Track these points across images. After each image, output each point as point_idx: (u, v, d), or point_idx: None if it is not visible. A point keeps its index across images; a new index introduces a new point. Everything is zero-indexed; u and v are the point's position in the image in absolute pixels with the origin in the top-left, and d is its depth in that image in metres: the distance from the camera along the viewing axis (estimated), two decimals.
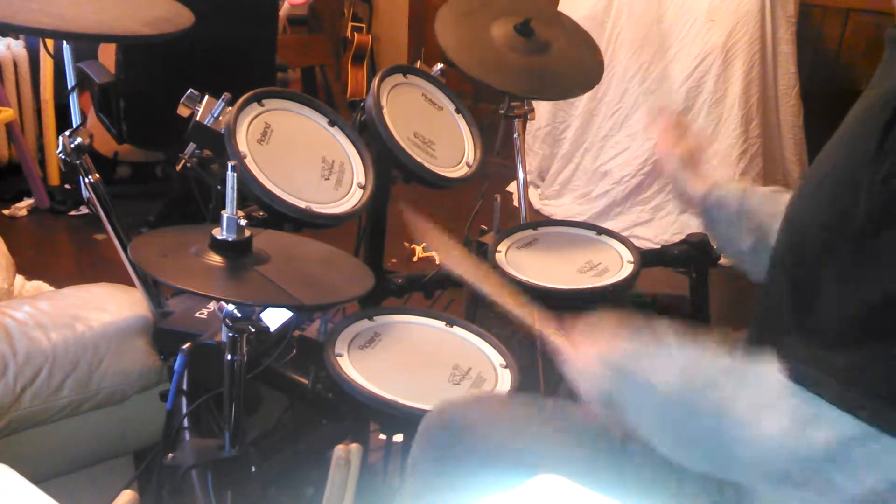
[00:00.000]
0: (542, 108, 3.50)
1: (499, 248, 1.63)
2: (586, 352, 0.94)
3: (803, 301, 0.84)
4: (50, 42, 2.01)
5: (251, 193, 1.23)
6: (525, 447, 1.00)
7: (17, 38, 3.35)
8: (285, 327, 1.40)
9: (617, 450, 0.99)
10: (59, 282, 1.75)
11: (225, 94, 1.29)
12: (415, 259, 3.03)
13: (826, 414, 0.72)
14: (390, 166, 1.50)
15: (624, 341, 0.91)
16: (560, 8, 3.30)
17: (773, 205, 1.15)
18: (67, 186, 3.33)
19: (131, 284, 1.52)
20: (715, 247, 1.30)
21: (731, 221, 1.20)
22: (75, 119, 1.56)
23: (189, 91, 1.30)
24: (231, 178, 1.04)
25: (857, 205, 0.76)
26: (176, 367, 1.26)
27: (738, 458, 0.79)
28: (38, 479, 0.89)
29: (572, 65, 1.81)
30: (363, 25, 4.78)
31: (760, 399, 0.77)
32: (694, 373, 0.84)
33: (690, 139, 1.32)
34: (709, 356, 0.85)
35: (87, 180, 1.46)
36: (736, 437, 0.78)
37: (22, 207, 3.25)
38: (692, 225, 3.21)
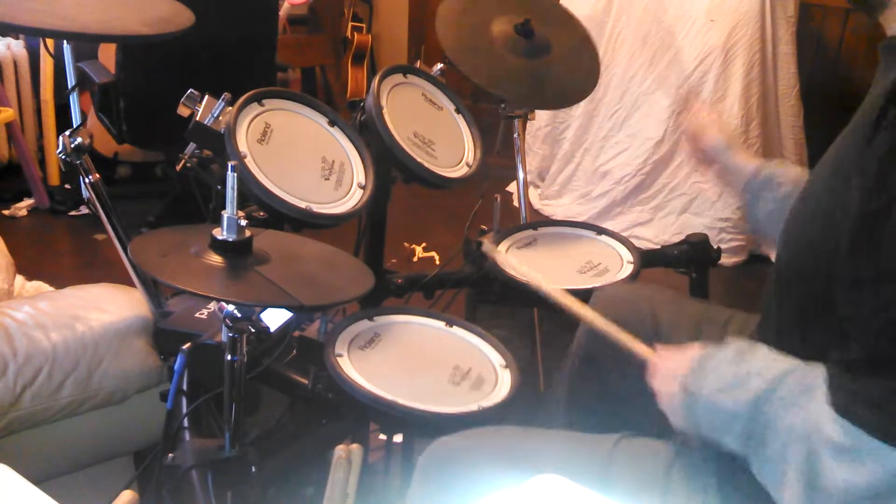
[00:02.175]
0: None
1: (499, 248, 1.63)
2: (669, 375, 0.95)
3: (813, 303, 0.84)
4: (50, 42, 2.01)
5: (251, 193, 1.23)
6: (512, 481, 1.01)
7: (17, 38, 3.35)
8: (285, 327, 1.40)
9: (596, 477, 0.99)
10: (59, 282, 1.75)
11: (225, 94, 1.29)
12: (415, 259, 3.03)
13: (870, 446, 0.72)
14: (390, 166, 1.50)
15: (703, 363, 0.92)
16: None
17: None
18: (67, 186, 3.33)
19: (131, 284, 1.52)
20: (749, 227, 1.29)
21: (781, 201, 1.19)
22: (75, 119, 1.56)
23: (189, 91, 1.30)
24: (231, 178, 1.04)
25: (847, 218, 0.76)
26: (176, 367, 1.26)
27: (792, 479, 0.79)
28: (38, 479, 0.89)
29: (571, 69, 1.81)
30: (363, 25, 4.77)
31: (813, 419, 0.77)
32: (762, 391, 0.84)
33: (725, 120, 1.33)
34: (774, 372, 0.85)
35: (87, 180, 1.46)
36: (792, 454, 0.78)
37: (22, 207, 3.25)
38: (692, 225, 3.21)
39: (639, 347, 1.05)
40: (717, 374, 0.89)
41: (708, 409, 0.88)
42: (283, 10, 4.00)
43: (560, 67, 1.79)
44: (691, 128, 1.35)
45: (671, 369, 0.95)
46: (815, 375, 0.81)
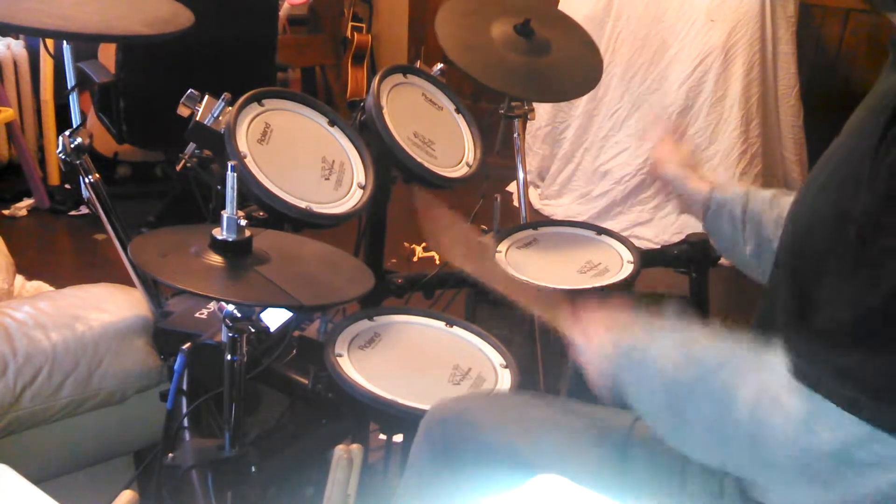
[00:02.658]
0: (542, 108, 3.50)
1: (499, 248, 1.63)
2: (596, 335, 0.95)
3: (806, 299, 0.84)
4: (50, 42, 2.01)
5: (251, 193, 1.23)
6: (525, 446, 1.00)
7: (17, 38, 3.35)
8: (285, 327, 1.40)
9: (619, 449, 0.99)
10: (59, 282, 1.75)
11: (225, 94, 1.29)
12: (415, 259, 3.03)
13: (828, 413, 0.72)
14: (390, 166, 1.50)
15: (633, 325, 0.92)
16: (560, 8, 3.30)
17: (775, 208, 1.16)
18: (67, 186, 3.33)
19: (131, 284, 1.52)
20: (716, 248, 1.32)
21: (734, 224, 1.20)
22: (75, 119, 1.56)
23: (189, 91, 1.30)
24: (231, 178, 1.04)
25: (857, 203, 0.76)
26: (176, 367, 1.26)
27: (737, 448, 0.79)
28: (38, 479, 0.89)
29: (572, 66, 1.81)
30: (363, 25, 4.77)
31: (767, 390, 0.77)
32: (700, 355, 0.84)
33: (687, 144, 1.34)
34: (717, 341, 0.85)
35: (87, 180, 1.46)
36: (737, 425, 0.78)
37: (22, 207, 3.25)
38: (692, 225, 3.19)
39: (563, 320, 1.03)
40: (653, 331, 0.89)
41: (636, 363, 0.88)
42: (283, 10, 4.00)
43: (561, 64, 1.79)
44: (652, 159, 1.36)
45: (601, 331, 0.94)
46: (766, 348, 0.80)
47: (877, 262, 0.72)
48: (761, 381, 0.78)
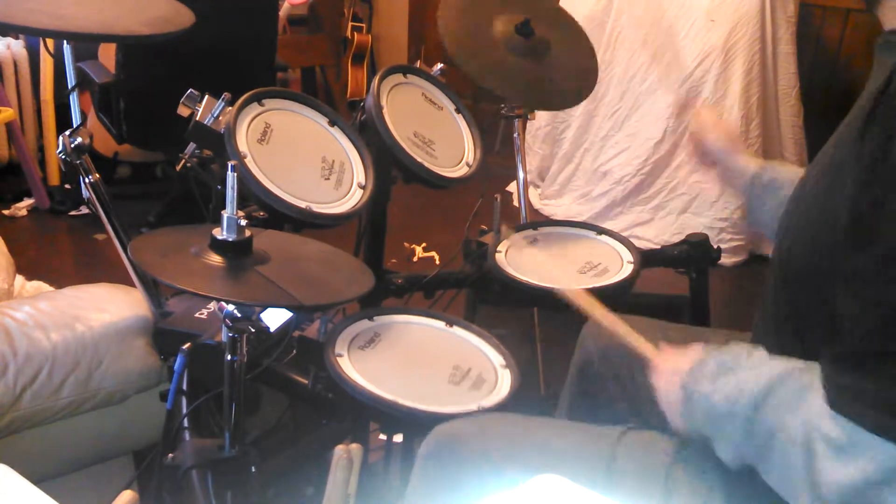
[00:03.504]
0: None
1: (499, 248, 1.63)
2: (670, 374, 0.96)
3: (805, 312, 0.85)
4: (50, 42, 2.01)
5: (251, 193, 1.23)
6: (514, 470, 1.01)
7: (17, 38, 3.35)
8: (285, 327, 1.40)
9: (605, 461, 0.99)
10: (59, 282, 1.75)
11: (225, 94, 1.29)
12: (415, 259, 3.03)
13: (867, 438, 0.72)
14: (390, 166, 1.50)
15: (702, 363, 0.92)
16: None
17: None
18: (67, 186, 3.33)
19: (131, 284, 1.52)
20: (752, 225, 1.30)
21: (783, 203, 1.20)
22: (75, 119, 1.56)
23: (189, 91, 1.30)
24: (231, 178, 1.04)
25: (842, 214, 0.76)
26: (176, 367, 1.26)
27: (793, 475, 0.80)
28: (38, 479, 0.89)
29: (568, 73, 1.81)
30: (363, 25, 4.78)
31: (810, 417, 0.78)
32: (756, 391, 0.85)
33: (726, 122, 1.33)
34: (769, 372, 0.86)
35: (87, 180, 1.46)
36: (791, 453, 0.79)
37: (22, 207, 3.25)
38: (692, 225, 3.21)
39: (643, 346, 1.06)
40: (716, 375, 0.89)
41: (705, 409, 0.89)
42: (283, 10, 4.00)
43: (559, 70, 1.78)
44: (693, 128, 1.35)
45: (672, 368, 0.96)
46: (812, 376, 0.81)
47: (871, 279, 0.73)
48: (807, 409, 0.79)
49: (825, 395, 0.77)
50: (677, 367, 0.95)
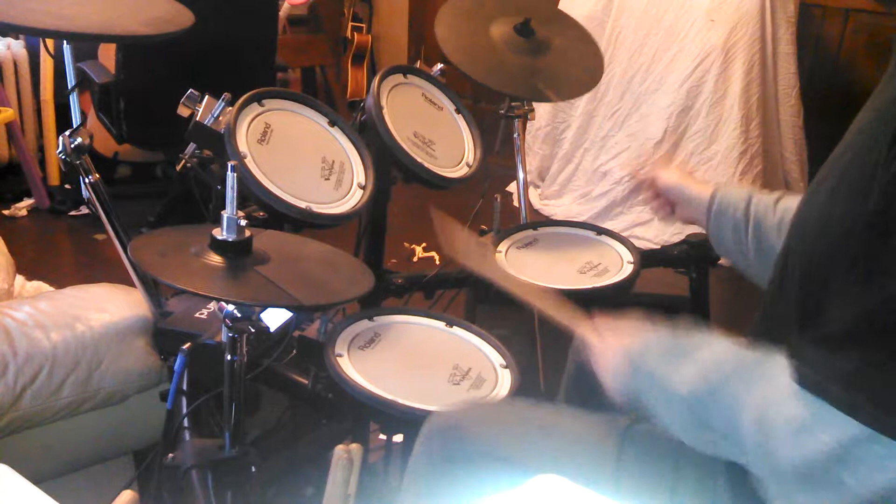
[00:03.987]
0: (542, 108, 3.50)
1: (499, 248, 1.63)
2: (612, 346, 0.96)
3: (811, 303, 0.84)
4: (50, 42, 2.01)
5: (251, 193, 1.23)
6: (521, 455, 1.00)
7: (17, 38, 3.35)
8: (285, 327, 1.40)
9: (613, 453, 0.99)
10: (59, 282, 1.75)
11: (225, 94, 1.29)
12: (415, 259, 3.03)
13: (829, 416, 0.72)
14: (390, 166, 1.50)
15: (647, 337, 0.93)
16: (560, 8, 3.30)
17: (778, 213, 1.16)
18: (67, 186, 3.33)
19: (131, 284, 1.52)
20: (717, 252, 1.32)
21: (737, 227, 1.20)
22: (75, 119, 1.56)
23: (189, 91, 1.30)
24: (231, 178, 1.04)
25: (868, 206, 0.76)
26: (176, 367, 1.26)
27: (752, 457, 0.80)
28: (38, 479, 0.89)
29: (572, 66, 1.81)
30: (363, 25, 4.78)
31: (770, 397, 0.77)
32: (712, 369, 0.85)
33: (675, 160, 1.35)
34: (725, 351, 0.86)
35: (87, 180, 1.46)
36: (748, 435, 0.79)
37: (22, 207, 3.26)
38: (692, 225, 3.21)
39: (576, 323, 1.05)
40: (664, 345, 0.90)
41: (652, 379, 0.89)
42: (283, 10, 4.00)
43: (561, 63, 1.78)
44: (645, 177, 1.36)
45: (615, 341, 0.96)
46: (770, 359, 0.81)
47: (883, 268, 0.72)
48: (765, 388, 0.78)
49: (793, 374, 0.77)
50: (620, 339, 0.95)
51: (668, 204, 1.36)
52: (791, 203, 1.18)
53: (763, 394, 0.78)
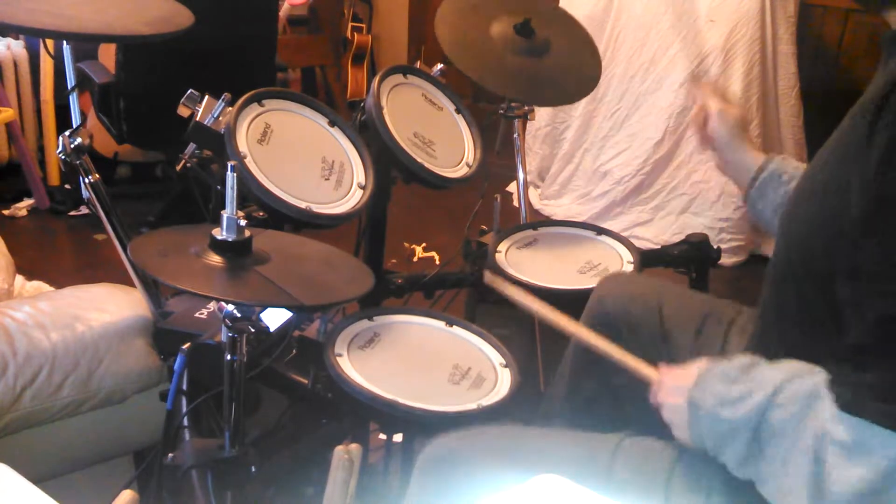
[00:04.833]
0: (541, 108, 3.49)
1: (499, 248, 1.63)
2: (675, 389, 0.95)
3: (813, 308, 0.84)
4: (50, 42, 2.01)
5: (251, 193, 1.23)
6: (515, 479, 1.01)
7: (17, 38, 3.35)
8: (285, 327, 1.40)
9: (604, 468, 0.99)
10: (59, 282, 1.75)
11: (225, 94, 1.29)
12: (415, 259, 3.03)
13: (877, 435, 0.72)
14: (390, 166, 1.50)
15: (706, 377, 0.92)
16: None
17: None
18: (67, 186, 3.32)
19: (131, 284, 1.52)
20: (754, 219, 1.29)
21: (785, 197, 1.19)
22: (75, 119, 1.56)
23: (189, 91, 1.30)
24: (231, 178, 1.04)
25: (850, 206, 0.76)
26: (176, 367, 1.26)
27: (801, 481, 0.79)
28: (38, 479, 0.89)
29: (570, 69, 1.81)
30: (363, 25, 4.77)
31: (820, 420, 0.77)
32: (768, 409, 0.84)
33: (736, 105, 1.32)
34: (777, 381, 0.85)
35: (87, 180, 1.46)
36: (801, 458, 0.78)
37: (22, 207, 3.25)
38: (692, 225, 3.21)
39: (641, 366, 1.06)
40: (721, 386, 0.89)
41: (711, 421, 0.89)
42: (283, 10, 4.00)
43: (560, 67, 1.78)
44: (698, 114, 1.34)
45: (676, 382, 0.96)
46: (816, 380, 0.81)
47: (878, 272, 0.72)
48: (817, 412, 0.78)
49: (833, 397, 0.77)
50: (680, 381, 0.95)
51: (713, 149, 1.33)
52: None
53: (814, 423, 0.78)
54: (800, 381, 0.83)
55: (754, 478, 0.86)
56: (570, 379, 1.37)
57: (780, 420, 0.82)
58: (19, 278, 1.74)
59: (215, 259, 1.06)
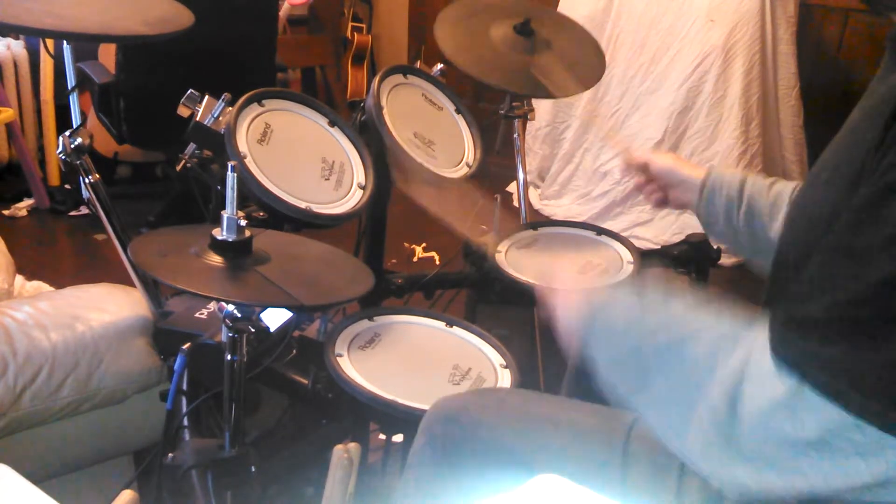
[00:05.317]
0: (542, 108, 3.50)
1: (499, 248, 1.63)
2: (572, 294, 0.93)
3: (795, 287, 0.83)
4: (50, 42, 2.01)
5: (251, 193, 1.23)
6: (525, 445, 1.00)
7: (17, 38, 3.35)
8: (285, 327, 1.40)
9: (619, 448, 0.99)
10: (59, 282, 1.75)
11: (225, 94, 1.29)
12: (415, 259, 3.03)
13: (812, 403, 0.72)
14: (390, 166, 1.50)
15: (616, 288, 0.90)
16: (560, 9, 3.30)
17: (772, 195, 1.16)
18: (67, 186, 3.33)
19: (131, 284, 1.52)
20: (709, 234, 1.31)
21: (730, 207, 1.20)
22: (75, 119, 1.56)
23: (189, 91, 1.30)
24: (231, 178, 1.04)
25: (853, 202, 0.75)
26: (176, 367, 1.26)
27: (697, 425, 0.77)
28: (38, 479, 0.89)
29: (573, 61, 1.81)
30: (363, 25, 4.77)
31: (749, 371, 0.75)
32: (676, 322, 0.82)
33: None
34: (699, 310, 0.83)
35: (87, 180, 1.46)
36: (705, 401, 0.76)
37: (22, 207, 3.25)
38: (692, 225, 3.20)
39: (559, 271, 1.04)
40: (634, 309, 0.86)
41: (609, 321, 0.86)
42: (283, 10, 4.00)
43: (563, 58, 1.78)
44: (637, 161, 1.35)
45: (578, 291, 0.93)
46: (750, 328, 0.79)
47: (866, 253, 0.72)
48: (743, 361, 0.76)
49: (772, 351, 0.75)
50: (584, 290, 0.92)
51: (660, 189, 1.35)
52: (785, 188, 1.18)
53: (740, 366, 0.76)
54: (729, 317, 0.81)
55: (640, 406, 0.84)
56: (569, 380, 1.37)
57: (697, 344, 0.79)
58: (19, 278, 1.74)
59: (215, 259, 1.06)
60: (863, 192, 0.74)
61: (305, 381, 1.34)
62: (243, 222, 1.07)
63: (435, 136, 1.51)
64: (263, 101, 1.33)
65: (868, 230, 0.72)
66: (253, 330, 1.10)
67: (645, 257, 1.66)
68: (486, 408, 1.06)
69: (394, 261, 2.87)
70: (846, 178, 0.79)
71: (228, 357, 1.11)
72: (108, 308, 1.45)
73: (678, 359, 0.80)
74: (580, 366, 1.34)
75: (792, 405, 0.72)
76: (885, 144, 0.74)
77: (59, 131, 1.52)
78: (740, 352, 0.77)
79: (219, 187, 1.38)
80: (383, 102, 1.46)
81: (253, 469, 1.17)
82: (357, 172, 1.39)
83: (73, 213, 3.26)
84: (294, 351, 1.40)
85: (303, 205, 1.26)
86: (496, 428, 1.02)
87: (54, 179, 3.41)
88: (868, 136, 0.77)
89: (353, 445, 1.16)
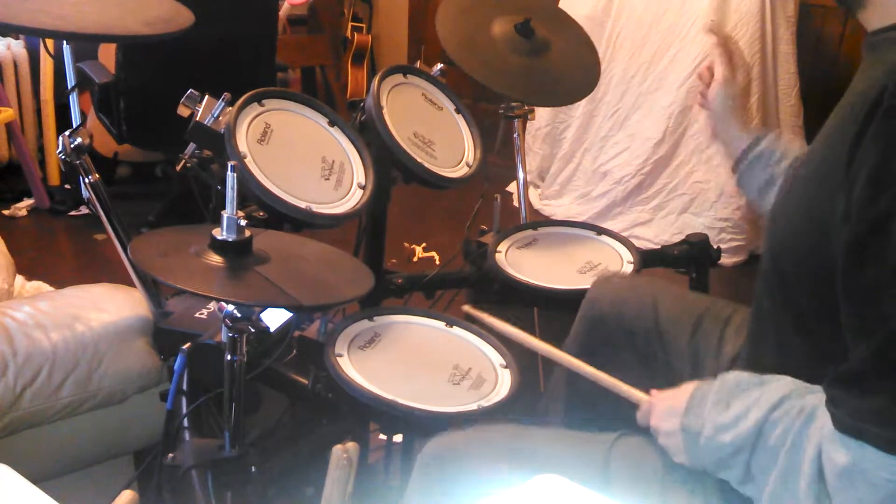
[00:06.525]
0: (542, 108, 3.49)
1: (499, 248, 1.63)
2: (668, 416, 0.96)
3: (798, 312, 0.84)
4: (50, 42, 2.01)
5: (251, 193, 1.23)
6: (515, 477, 1.01)
7: (17, 38, 3.35)
8: (285, 327, 1.40)
9: (601, 466, 0.99)
10: (59, 282, 1.75)
11: (225, 94, 1.29)
12: (415, 259, 3.03)
13: (875, 457, 0.72)
14: (390, 166, 1.50)
15: (698, 401, 0.92)
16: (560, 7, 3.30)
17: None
18: (67, 186, 3.33)
19: (131, 284, 1.52)
20: (744, 194, 1.31)
21: (773, 175, 1.21)
22: (75, 119, 1.56)
23: (189, 91, 1.30)
24: (231, 178, 1.04)
25: (833, 212, 0.76)
26: (176, 367, 1.26)
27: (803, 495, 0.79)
28: (38, 479, 0.89)
29: (570, 70, 1.81)
30: (363, 25, 4.77)
31: (819, 441, 0.78)
32: (768, 407, 0.84)
33: (740, 68, 1.34)
34: (782, 390, 0.86)
35: (87, 180, 1.46)
36: (803, 473, 0.79)
37: (22, 207, 3.25)
38: (692, 225, 3.21)
39: (631, 392, 1.06)
40: (715, 413, 0.89)
41: (710, 447, 0.89)
42: (283, 10, 4.00)
43: (559, 67, 1.78)
44: (704, 72, 1.36)
45: (669, 408, 0.96)
46: (813, 399, 0.81)
47: (875, 297, 0.72)
48: (816, 432, 0.78)
49: (832, 418, 0.76)
50: (674, 408, 0.95)
51: (707, 104, 1.36)
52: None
53: (812, 437, 0.78)
54: (795, 400, 0.83)
55: (755, 495, 0.86)
56: (569, 378, 1.37)
57: (777, 437, 0.82)
58: (19, 278, 1.74)
59: (215, 259, 1.06)
60: (848, 230, 0.74)
61: (305, 382, 1.34)
62: (243, 222, 1.07)
63: (435, 136, 1.51)
64: (263, 101, 1.33)
65: (864, 270, 0.72)
66: (253, 330, 1.10)
67: (645, 257, 1.66)
68: (474, 447, 1.06)
69: (394, 261, 2.87)
70: (820, 190, 0.80)
71: (228, 357, 1.11)
72: (108, 308, 1.45)
73: (772, 447, 0.83)
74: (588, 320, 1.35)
75: (857, 467, 0.73)
76: (858, 156, 0.74)
77: (59, 131, 1.52)
78: (814, 422, 0.79)
79: (219, 187, 1.38)
80: (383, 102, 1.46)
81: (253, 469, 1.17)
82: (357, 172, 1.39)
83: (73, 213, 3.26)
84: (294, 351, 1.40)
85: (303, 205, 1.26)
86: (484, 465, 1.03)
87: (54, 179, 3.41)
88: (838, 148, 0.78)
89: (352, 445, 1.16)
